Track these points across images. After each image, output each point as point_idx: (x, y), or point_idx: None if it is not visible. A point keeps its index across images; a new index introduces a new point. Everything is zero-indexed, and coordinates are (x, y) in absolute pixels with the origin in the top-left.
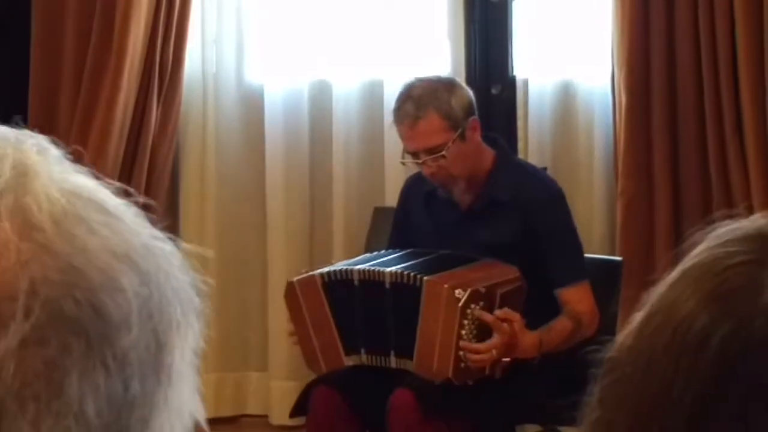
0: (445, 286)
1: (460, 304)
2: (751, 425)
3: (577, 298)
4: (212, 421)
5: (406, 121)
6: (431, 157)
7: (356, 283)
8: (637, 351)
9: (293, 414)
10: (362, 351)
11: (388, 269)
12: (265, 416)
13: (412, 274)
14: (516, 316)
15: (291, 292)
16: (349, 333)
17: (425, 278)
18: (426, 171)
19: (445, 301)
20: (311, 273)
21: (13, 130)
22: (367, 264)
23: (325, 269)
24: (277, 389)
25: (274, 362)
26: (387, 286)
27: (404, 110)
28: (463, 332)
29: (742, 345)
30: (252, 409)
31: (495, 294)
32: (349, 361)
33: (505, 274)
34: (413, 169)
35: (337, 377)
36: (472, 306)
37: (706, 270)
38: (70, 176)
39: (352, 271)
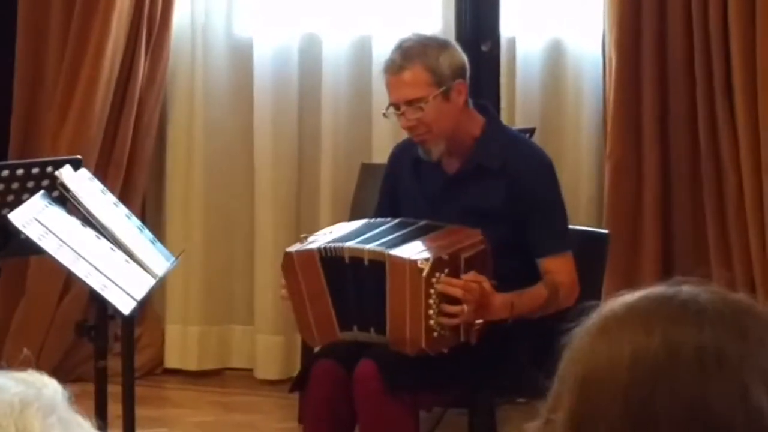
0: (407, 259)
1: (424, 275)
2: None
3: (558, 268)
4: (197, 374)
5: (392, 70)
6: (410, 108)
7: (347, 260)
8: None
9: (293, 388)
10: (354, 328)
11: (367, 247)
12: (250, 370)
13: (380, 250)
14: (482, 278)
15: (289, 263)
16: (343, 309)
17: (387, 253)
18: (404, 123)
19: (409, 274)
20: (309, 247)
21: (20, 388)
22: (355, 240)
23: (323, 242)
24: (262, 343)
25: (260, 316)
26: (366, 263)
27: (392, 60)
28: (431, 301)
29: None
30: (236, 362)
31: (459, 259)
32: (342, 336)
33: (468, 237)
34: (399, 124)
35: (338, 351)
36: (437, 275)
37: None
38: None
39: (343, 248)
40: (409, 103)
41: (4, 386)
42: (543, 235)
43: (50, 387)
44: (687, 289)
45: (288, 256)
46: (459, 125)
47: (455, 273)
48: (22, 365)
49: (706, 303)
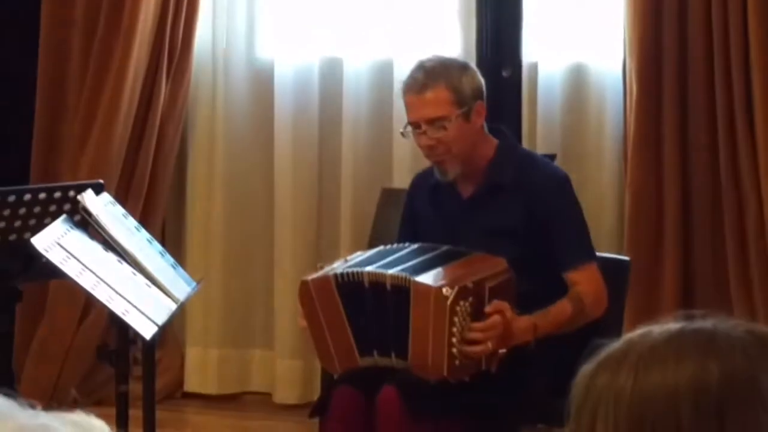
0: (433, 286)
1: (448, 303)
2: None
3: (582, 279)
4: (216, 398)
5: (414, 89)
6: (431, 127)
7: (366, 285)
8: None
9: (313, 414)
10: (375, 353)
11: (389, 271)
12: (269, 394)
13: (404, 275)
14: (505, 306)
15: (305, 291)
16: (362, 334)
17: (412, 279)
18: (424, 142)
19: (433, 300)
20: (325, 273)
21: (69, 429)
22: (374, 265)
23: (339, 269)
24: (281, 367)
25: (279, 340)
26: (388, 288)
27: (414, 78)
28: (455, 329)
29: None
30: (256, 386)
31: (483, 288)
32: (363, 362)
33: (493, 266)
34: (417, 145)
35: (358, 377)
36: (461, 303)
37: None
38: None
39: (362, 273)
40: (431, 122)
41: (53, 427)
42: (564, 248)
43: (99, 428)
44: (719, 322)
45: (304, 284)
46: (475, 147)
47: (479, 302)
48: (71, 406)
49: (744, 335)
